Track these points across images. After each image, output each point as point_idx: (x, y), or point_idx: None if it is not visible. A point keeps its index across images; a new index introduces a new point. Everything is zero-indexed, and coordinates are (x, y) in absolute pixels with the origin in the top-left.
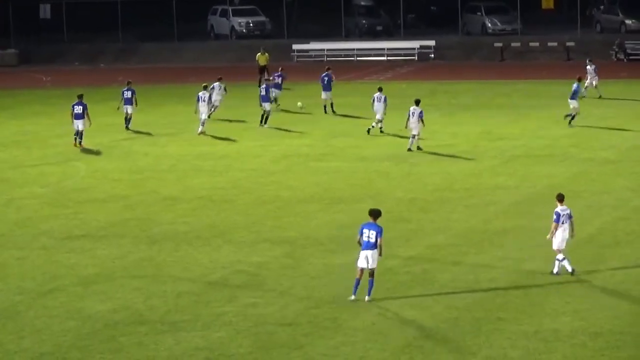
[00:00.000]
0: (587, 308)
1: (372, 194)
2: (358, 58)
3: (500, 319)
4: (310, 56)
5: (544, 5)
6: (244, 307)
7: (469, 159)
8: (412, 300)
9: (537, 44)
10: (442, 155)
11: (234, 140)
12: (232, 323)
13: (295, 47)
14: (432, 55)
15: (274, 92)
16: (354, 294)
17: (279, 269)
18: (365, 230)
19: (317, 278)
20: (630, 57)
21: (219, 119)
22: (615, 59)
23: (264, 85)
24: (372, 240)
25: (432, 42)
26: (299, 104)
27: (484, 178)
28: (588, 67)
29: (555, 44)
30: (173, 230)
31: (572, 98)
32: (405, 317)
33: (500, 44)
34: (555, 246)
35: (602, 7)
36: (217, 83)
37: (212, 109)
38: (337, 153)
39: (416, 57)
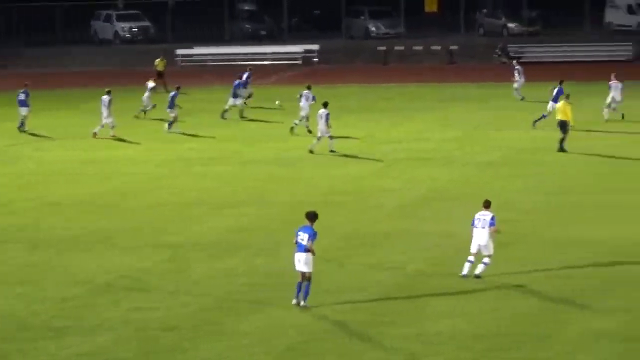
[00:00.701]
0: (470, 310)
1: (258, 198)
2: (242, 63)
3: (385, 322)
4: (194, 61)
5: (427, 8)
6: (128, 311)
7: (354, 163)
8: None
9: (420, 47)
10: (328, 158)
11: (122, 145)
12: (115, 328)
13: (178, 51)
14: (316, 59)
15: (241, 91)
16: (296, 297)
17: (163, 274)
18: (300, 233)
19: (201, 282)
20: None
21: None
22: (499, 63)
23: (173, 92)
24: (304, 242)
25: (316, 46)
26: (277, 102)
27: (369, 181)
28: (517, 67)
29: (438, 47)
30: (57, 235)
31: (554, 101)
32: (291, 321)
33: (383, 48)
34: (471, 249)
35: (485, 10)
36: (151, 83)
37: (149, 108)
38: (225, 157)
39: (300, 61)
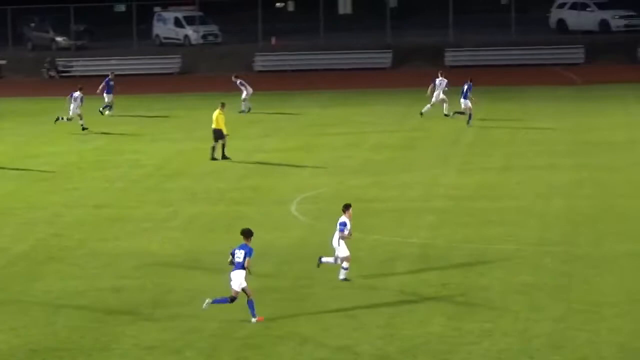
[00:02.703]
0: (23, 325)
1: None
2: None
3: None
4: None
5: None
6: None
7: None
8: None
9: None
10: None
11: None
12: None
13: None
14: None
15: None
16: (254, 315)
17: None
18: (237, 251)
19: None
20: (62, 74)
21: None
22: (48, 77)
23: None
24: (240, 260)
25: None
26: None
27: None
28: (239, 81)
29: None
30: None
31: (464, 97)
32: None
33: None
34: (344, 253)
35: (33, 24)
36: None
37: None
38: None
39: None
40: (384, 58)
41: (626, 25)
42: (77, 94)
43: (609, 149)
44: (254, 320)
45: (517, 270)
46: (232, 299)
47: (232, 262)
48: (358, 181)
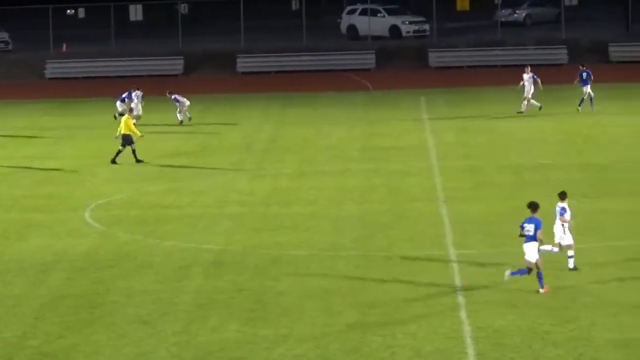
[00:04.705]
0: None
1: None
2: None
3: None
4: None
5: None
6: None
7: None
8: None
9: None
10: None
11: None
12: None
13: None
14: None
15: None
16: (542, 287)
17: None
18: (525, 225)
19: None
20: None
21: None
22: None
23: None
24: (531, 233)
25: None
26: None
27: None
28: (173, 96)
29: None
30: None
31: (585, 84)
32: None
33: None
34: (569, 241)
35: None
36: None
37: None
38: None
39: None
40: (176, 64)
41: (416, 31)
42: (139, 92)
43: (401, 154)
44: (541, 291)
45: (312, 275)
46: (529, 270)
47: (521, 235)
48: (153, 187)
